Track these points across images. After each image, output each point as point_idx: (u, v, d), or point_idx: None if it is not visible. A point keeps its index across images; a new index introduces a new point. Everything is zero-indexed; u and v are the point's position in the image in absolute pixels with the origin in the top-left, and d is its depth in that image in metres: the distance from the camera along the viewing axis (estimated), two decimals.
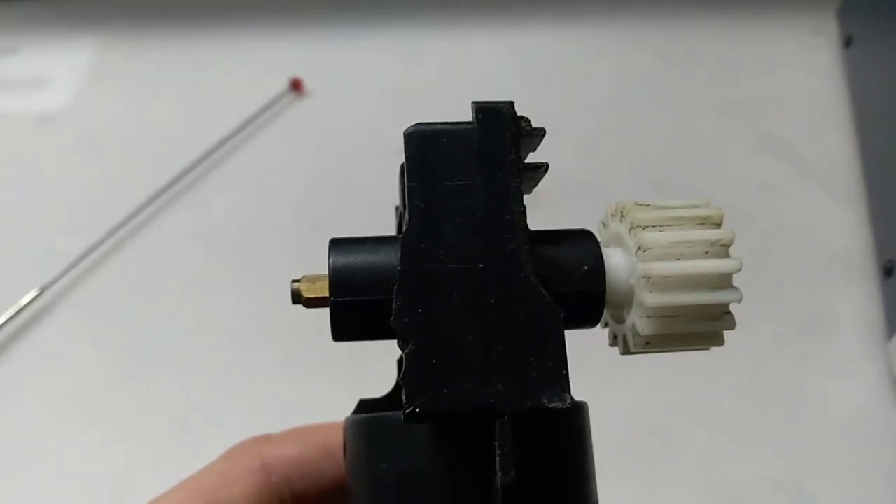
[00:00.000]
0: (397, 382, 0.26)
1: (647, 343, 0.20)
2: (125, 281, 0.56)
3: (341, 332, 0.21)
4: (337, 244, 0.21)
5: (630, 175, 0.60)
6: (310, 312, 0.22)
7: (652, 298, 0.20)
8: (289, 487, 0.26)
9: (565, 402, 0.19)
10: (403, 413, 0.18)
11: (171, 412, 0.50)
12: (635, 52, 0.68)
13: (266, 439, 0.27)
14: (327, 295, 0.21)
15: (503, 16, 0.71)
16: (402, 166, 0.21)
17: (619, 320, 0.22)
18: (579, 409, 0.22)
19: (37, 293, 0.54)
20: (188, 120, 0.65)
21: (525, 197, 0.21)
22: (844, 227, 0.56)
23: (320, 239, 0.61)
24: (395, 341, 0.20)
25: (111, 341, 0.53)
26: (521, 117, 0.21)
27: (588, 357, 0.24)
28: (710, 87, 0.65)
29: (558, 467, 0.21)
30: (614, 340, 0.22)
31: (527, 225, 0.20)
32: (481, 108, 0.21)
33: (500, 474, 0.18)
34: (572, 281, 0.21)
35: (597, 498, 0.22)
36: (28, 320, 0.54)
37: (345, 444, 0.23)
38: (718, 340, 0.21)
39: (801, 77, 0.65)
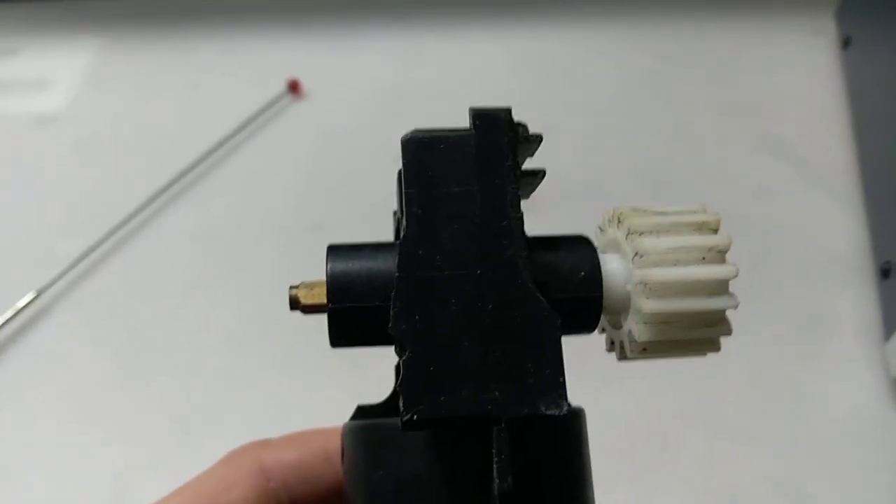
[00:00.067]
0: (395, 389, 0.26)
1: (644, 349, 0.20)
2: (124, 281, 0.56)
3: (339, 338, 0.21)
4: (334, 251, 0.21)
5: (630, 175, 0.60)
6: None
7: (649, 305, 0.20)
8: (287, 492, 0.26)
9: (562, 408, 0.19)
10: (401, 420, 0.18)
11: (171, 412, 0.50)
12: (635, 52, 0.68)
13: (265, 444, 0.27)
14: (325, 301, 0.21)
15: (502, 16, 0.71)
16: (399, 172, 0.21)
17: (616, 326, 0.22)
18: (576, 416, 0.22)
19: (34, 295, 0.54)
20: (187, 121, 0.65)
21: (523, 200, 0.21)
22: (842, 227, 0.56)
23: (319, 239, 0.61)
24: (392, 346, 0.20)
25: (111, 342, 0.53)
26: (519, 123, 0.21)
27: (586, 359, 0.24)
28: (709, 87, 0.65)
29: (555, 474, 0.21)
30: (611, 346, 0.22)
31: (524, 231, 0.20)
32: (478, 115, 0.21)
33: (497, 481, 0.18)
34: (569, 287, 0.21)
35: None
36: (27, 321, 0.54)
37: (343, 450, 0.23)
38: (715, 346, 0.21)
39: (800, 77, 0.65)
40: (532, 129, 0.21)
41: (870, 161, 0.58)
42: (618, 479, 0.46)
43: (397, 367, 0.19)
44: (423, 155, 0.21)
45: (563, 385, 0.19)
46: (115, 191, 0.60)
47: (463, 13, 0.71)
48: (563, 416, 0.19)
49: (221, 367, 0.52)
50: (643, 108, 0.65)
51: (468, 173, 0.20)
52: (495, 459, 0.18)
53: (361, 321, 0.21)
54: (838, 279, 0.54)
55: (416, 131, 0.21)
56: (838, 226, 0.57)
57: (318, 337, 0.24)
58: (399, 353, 0.19)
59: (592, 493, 0.22)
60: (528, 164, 0.22)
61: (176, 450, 0.49)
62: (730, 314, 0.20)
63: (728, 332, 0.20)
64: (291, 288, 0.22)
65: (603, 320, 0.22)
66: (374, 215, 0.55)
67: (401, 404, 0.19)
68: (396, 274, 0.20)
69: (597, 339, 0.23)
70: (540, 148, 0.22)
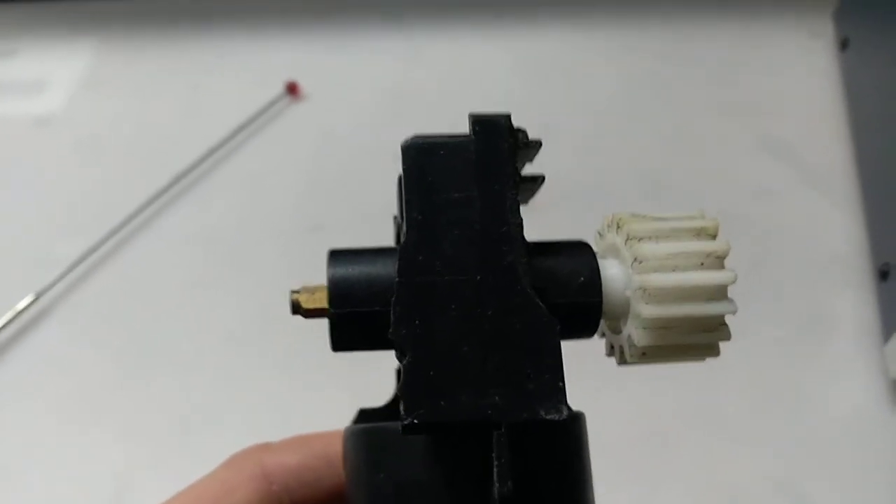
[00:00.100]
0: (396, 393, 0.26)
1: (644, 354, 0.20)
2: (124, 283, 0.56)
3: (340, 343, 0.21)
4: (336, 255, 0.22)
5: (629, 176, 0.60)
6: None
7: (648, 310, 0.20)
8: (289, 496, 0.27)
9: (562, 413, 0.19)
10: (401, 424, 0.19)
11: (171, 413, 0.50)
12: (634, 53, 0.68)
13: (267, 447, 0.28)
14: (326, 306, 0.21)
15: (502, 17, 0.71)
16: (399, 178, 0.21)
17: (616, 331, 0.22)
18: (576, 420, 0.22)
19: (33, 298, 0.54)
20: (186, 122, 0.65)
21: (522, 205, 0.21)
22: (841, 229, 0.57)
23: (318, 240, 0.61)
24: (393, 351, 0.20)
25: (110, 343, 0.53)
26: (518, 129, 0.21)
27: (586, 360, 0.24)
28: (708, 88, 0.65)
29: (555, 478, 0.21)
30: (611, 351, 0.22)
31: (524, 237, 0.20)
32: (478, 121, 0.21)
33: (497, 485, 0.18)
34: (569, 292, 0.21)
35: None
36: (27, 323, 0.54)
37: (344, 454, 0.23)
38: (714, 352, 0.21)
39: (799, 79, 0.65)
40: (532, 130, 0.22)
41: (868, 162, 0.58)
42: (618, 479, 0.46)
43: (398, 372, 0.20)
44: (423, 161, 0.21)
45: (562, 390, 0.19)
46: (114, 192, 0.60)
47: (462, 14, 0.71)
48: (562, 421, 0.19)
49: (221, 368, 0.52)
50: (642, 108, 0.65)
51: (468, 179, 0.21)
52: (495, 464, 0.18)
53: (362, 326, 0.21)
54: (837, 280, 0.54)
55: (416, 137, 0.21)
56: (837, 227, 0.57)
57: (317, 337, 0.24)
58: (399, 357, 0.19)
59: (593, 497, 0.22)
60: (528, 169, 0.22)
61: (176, 450, 0.49)
62: (729, 317, 0.20)
63: (727, 337, 0.20)
64: (293, 292, 0.22)
65: (603, 325, 0.22)
66: (373, 216, 0.55)
67: (401, 409, 0.19)
68: (396, 279, 0.20)
69: (597, 340, 0.23)
70: (540, 149, 0.22)
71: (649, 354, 0.20)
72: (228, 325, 0.54)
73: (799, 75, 0.66)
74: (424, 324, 0.19)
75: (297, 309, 0.22)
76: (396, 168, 0.21)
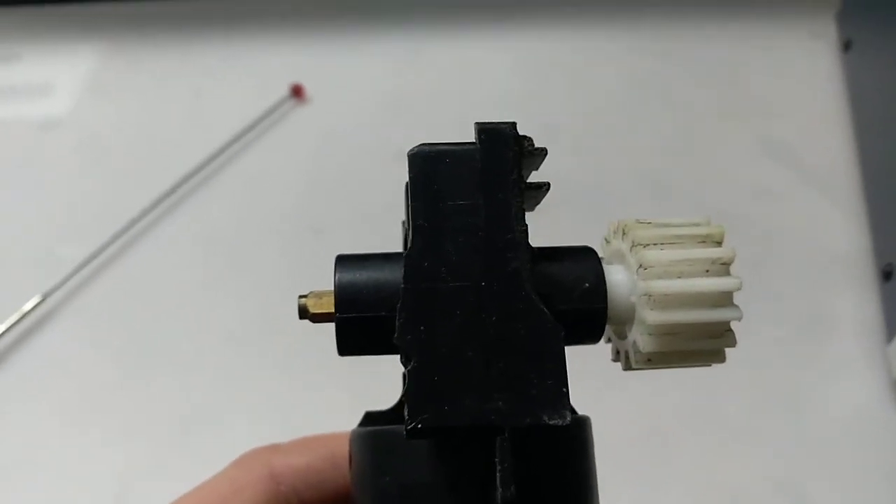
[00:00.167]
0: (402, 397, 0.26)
1: (649, 360, 0.20)
2: (128, 285, 0.56)
3: (346, 347, 0.22)
4: (343, 261, 0.22)
5: (630, 176, 0.61)
6: None
7: (653, 316, 0.20)
8: (297, 497, 0.27)
9: (565, 419, 0.19)
10: (405, 429, 0.19)
11: (173, 414, 0.50)
12: (635, 54, 0.68)
13: (275, 449, 0.28)
14: (333, 311, 0.21)
15: (503, 19, 0.71)
16: (406, 185, 0.21)
17: (622, 336, 0.22)
18: (581, 424, 0.22)
19: (39, 299, 0.54)
20: (190, 125, 0.65)
21: (528, 212, 0.21)
22: (844, 230, 0.57)
23: (321, 243, 0.61)
24: (398, 356, 0.20)
25: (114, 344, 0.54)
26: (524, 137, 0.21)
27: (588, 360, 0.25)
28: (710, 89, 0.66)
29: (559, 483, 0.21)
30: (616, 356, 0.22)
31: (528, 243, 0.21)
32: (484, 129, 0.21)
33: (500, 490, 0.19)
34: (573, 298, 0.21)
35: None
36: (33, 325, 0.54)
37: (350, 456, 0.23)
38: (720, 358, 0.21)
39: (801, 81, 0.65)
40: (532, 130, 0.22)
41: (871, 163, 0.58)
42: (618, 479, 0.46)
43: (404, 376, 0.20)
44: (430, 169, 0.21)
45: (566, 396, 0.19)
46: (118, 195, 0.60)
47: (464, 16, 0.71)
48: (566, 426, 0.19)
49: (223, 369, 0.52)
50: (643, 109, 0.65)
51: (473, 187, 0.21)
52: (498, 468, 0.19)
53: (368, 331, 0.21)
54: (839, 281, 0.54)
55: (423, 146, 0.21)
56: (839, 228, 0.57)
57: (318, 338, 0.24)
58: (404, 363, 0.20)
59: (597, 502, 0.22)
60: (533, 176, 0.22)
61: (177, 451, 0.49)
62: (734, 322, 0.21)
63: (733, 343, 0.21)
64: (301, 297, 0.22)
65: (608, 330, 0.22)
66: (375, 219, 0.56)
67: (405, 413, 0.19)
68: (402, 285, 0.20)
69: (599, 342, 0.23)
70: (545, 157, 0.22)
71: (654, 360, 0.20)
72: (230, 326, 0.54)
73: (801, 76, 0.66)
74: (429, 329, 0.20)
75: (304, 314, 0.22)
76: (400, 170, 0.22)
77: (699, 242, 0.21)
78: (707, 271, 0.20)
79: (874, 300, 0.53)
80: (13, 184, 0.63)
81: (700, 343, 0.20)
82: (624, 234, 0.21)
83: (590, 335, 0.22)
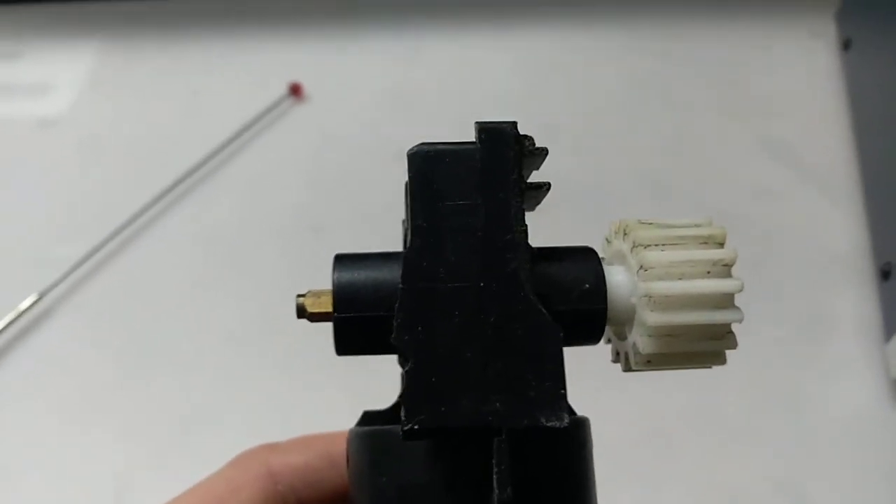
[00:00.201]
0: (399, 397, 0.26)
1: (649, 361, 0.20)
2: (126, 284, 0.56)
3: (344, 347, 0.22)
4: (341, 260, 0.22)
5: (630, 176, 0.60)
6: None
7: (653, 318, 0.20)
8: (294, 496, 0.27)
9: (562, 421, 0.19)
10: (402, 429, 0.19)
11: (172, 413, 0.50)
12: (635, 53, 0.68)
13: (272, 447, 0.28)
14: (331, 310, 0.21)
15: (503, 18, 0.71)
16: (405, 184, 0.21)
17: (622, 337, 0.22)
18: (579, 426, 0.22)
19: (36, 298, 0.54)
20: (188, 124, 0.65)
21: (528, 212, 0.21)
22: (842, 229, 0.57)
23: (319, 241, 0.61)
24: (396, 356, 0.20)
25: (112, 343, 0.54)
26: (525, 137, 0.21)
27: (589, 360, 0.24)
28: (710, 89, 0.65)
29: (557, 484, 0.21)
30: (617, 357, 0.22)
31: (528, 244, 0.21)
32: (484, 129, 0.21)
33: (497, 491, 0.19)
34: (573, 299, 0.21)
35: None
36: (29, 323, 0.54)
37: (348, 456, 0.23)
38: (720, 359, 0.21)
39: (800, 79, 0.65)
40: (532, 130, 0.22)
41: (870, 162, 0.58)
42: (618, 479, 0.46)
43: (402, 377, 0.20)
44: (429, 168, 0.21)
45: (563, 397, 0.19)
46: (116, 193, 0.60)
47: (463, 15, 0.71)
48: (563, 428, 0.19)
49: (222, 368, 0.52)
50: (643, 108, 0.65)
51: (473, 187, 0.21)
52: (495, 470, 0.19)
53: (366, 331, 0.21)
54: (838, 280, 0.54)
55: (423, 145, 0.21)
56: (838, 227, 0.57)
57: (317, 338, 0.24)
58: (402, 363, 0.20)
59: (595, 502, 0.22)
60: (534, 176, 0.22)
61: (176, 450, 0.49)
62: (735, 324, 0.20)
63: (733, 345, 0.20)
64: (298, 296, 0.22)
65: (609, 331, 0.22)
66: (374, 217, 0.56)
67: (402, 414, 0.19)
68: (400, 285, 0.20)
69: (600, 342, 0.23)
70: (546, 157, 0.22)
71: (654, 362, 0.20)
72: (229, 325, 0.54)
73: (800, 75, 0.66)
74: (427, 330, 0.20)
75: (302, 313, 0.22)
76: (400, 169, 0.21)
77: (701, 244, 0.21)
78: (708, 273, 0.20)
79: (873, 299, 0.53)
80: (11, 181, 0.62)
81: (700, 345, 0.20)
82: (625, 234, 0.21)
83: (589, 336, 0.22)
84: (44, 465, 0.49)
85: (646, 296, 0.20)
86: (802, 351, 0.52)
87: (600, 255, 0.22)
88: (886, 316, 0.51)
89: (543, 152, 0.21)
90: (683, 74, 0.66)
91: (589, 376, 0.28)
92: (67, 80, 0.68)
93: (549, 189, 0.22)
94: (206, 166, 0.61)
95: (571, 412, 0.22)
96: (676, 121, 0.64)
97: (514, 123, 0.21)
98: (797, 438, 0.49)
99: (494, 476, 0.19)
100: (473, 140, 0.21)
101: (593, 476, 0.22)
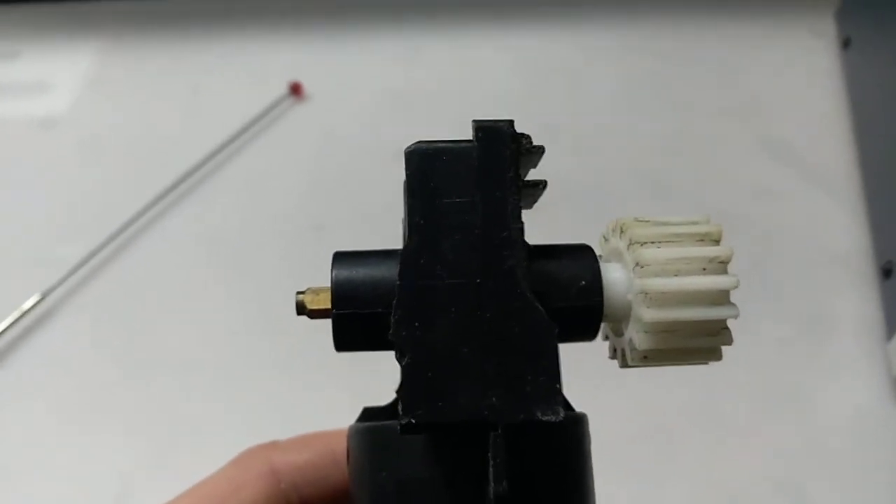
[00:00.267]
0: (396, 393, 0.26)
1: (645, 357, 0.20)
2: (128, 283, 0.56)
3: (343, 343, 0.22)
4: (340, 257, 0.22)
5: (630, 176, 0.61)
6: None
7: (649, 314, 0.20)
8: (297, 494, 0.27)
9: (558, 415, 0.19)
10: (399, 424, 0.19)
11: (173, 413, 0.50)
12: (635, 53, 0.68)
13: (274, 446, 0.28)
14: (330, 307, 0.21)
15: (503, 17, 0.71)
16: (404, 182, 0.21)
17: (619, 334, 0.22)
18: (576, 422, 0.22)
19: (39, 298, 0.54)
20: (189, 123, 0.65)
21: (525, 210, 0.21)
22: (843, 228, 0.57)
23: (320, 241, 0.61)
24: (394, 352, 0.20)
25: (114, 343, 0.54)
26: (522, 135, 0.21)
27: (589, 357, 0.25)
28: (710, 88, 0.65)
29: (553, 479, 0.21)
30: (614, 353, 0.23)
31: (525, 241, 0.21)
32: (481, 127, 0.21)
33: (493, 485, 0.19)
34: (569, 296, 0.21)
35: None
36: (32, 323, 0.54)
37: (348, 451, 0.23)
38: (716, 355, 0.21)
39: (800, 79, 0.65)
40: (532, 130, 0.22)
41: (870, 161, 0.58)
42: (618, 477, 0.46)
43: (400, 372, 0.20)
44: (427, 166, 0.21)
45: (559, 392, 0.19)
46: (117, 193, 0.60)
47: (464, 15, 0.71)
48: (560, 423, 0.19)
49: (223, 368, 0.52)
50: (643, 108, 0.65)
51: (470, 185, 0.21)
52: (491, 464, 0.19)
53: (365, 327, 0.21)
54: (840, 279, 0.54)
55: (420, 143, 0.21)
56: (839, 226, 0.57)
57: (318, 337, 0.24)
58: (399, 359, 0.20)
59: (592, 499, 0.22)
60: (531, 174, 0.22)
61: (177, 450, 0.49)
62: (732, 318, 0.21)
63: (729, 341, 0.21)
64: (298, 293, 0.22)
65: (606, 328, 0.23)
66: (375, 216, 0.56)
67: (399, 408, 0.19)
68: (398, 282, 0.20)
69: (600, 339, 0.23)
70: (543, 154, 0.22)
71: (650, 358, 0.20)
72: (230, 325, 0.54)
73: (801, 75, 0.66)
74: (424, 326, 0.20)
75: (301, 309, 0.22)
76: (400, 168, 0.22)
77: (697, 241, 0.21)
78: (704, 269, 0.20)
79: (874, 298, 0.53)
80: (12, 181, 0.63)
81: (696, 341, 0.20)
82: (622, 232, 0.22)
83: (586, 332, 0.22)
84: (45, 465, 0.49)
85: (642, 292, 0.20)
86: (804, 350, 0.52)
87: (598, 252, 0.22)
88: (888, 315, 0.51)
89: (540, 150, 0.22)
90: (683, 74, 0.66)
91: (589, 373, 0.28)
92: (67, 79, 0.68)
93: (545, 187, 0.22)
94: (207, 166, 0.61)
95: (569, 408, 0.22)
96: (676, 120, 0.64)
97: (511, 122, 0.21)
98: (798, 437, 0.49)
99: (490, 470, 0.19)
100: (470, 138, 0.21)
101: (591, 472, 0.22)
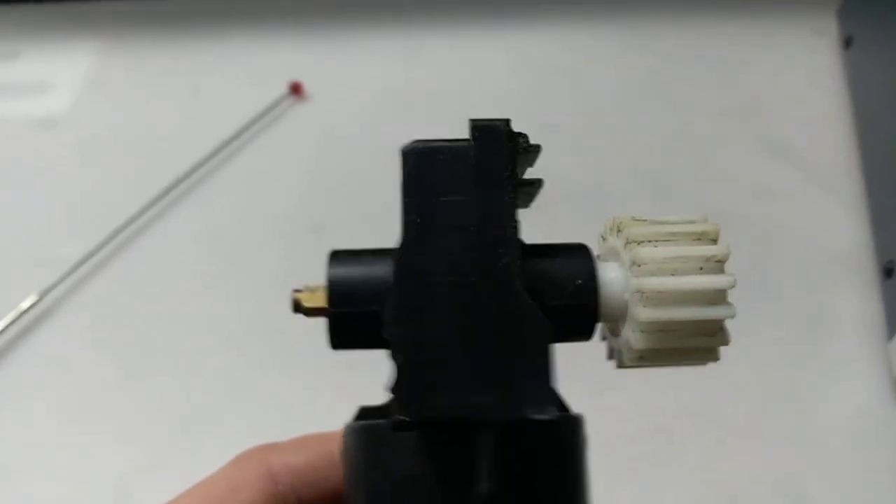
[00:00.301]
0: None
1: (641, 357, 0.20)
2: (126, 283, 0.56)
3: (338, 341, 0.22)
4: (337, 256, 0.22)
5: (630, 176, 0.60)
6: None
7: (645, 313, 0.20)
8: (295, 495, 0.27)
9: (548, 414, 0.19)
10: (392, 421, 0.19)
11: (173, 413, 0.50)
12: (635, 52, 0.68)
13: (273, 447, 0.28)
14: (326, 305, 0.21)
15: (503, 17, 0.71)
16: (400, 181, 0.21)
17: (616, 334, 0.22)
18: (570, 422, 0.22)
19: (36, 298, 0.54)
20: (189, 123, 0.65)
21: (522, 209, 0.21)
22: (844, 227, 0.56)
23: (320, 240, 0.61)
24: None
25: (112, 343, 0.54)
26: (519, 134, 0.21)
27: (588, 358, 0.24)
28: (710, 88, 0.65)
29: (544, 479, 0.21)
30: (612, 354, 0.22)
31: (520, 240, 0.21)
32: (478, 126, 0.21)
33: (482, 482, 0.19)
34: (564, 295, 0.21)
35: None
36: (29, 323, 0.54)
37: (343, 450, 0.23)
38: (713, 356, 0.21)
39: (802, 78, 0.65)
40: (532, 130, 0.22)
41: (872, 160, 0.58)
42: (618, 477, 0.46)
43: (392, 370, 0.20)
44: (423, 165, 0.21)
45: (551, 391, 0.19)
46: (117, 193, 0.60)
47: (464, 14, 0.71)
48: (553, 422, 0.19)
49: (223, 368, 0.52)
50: (643, 108, 0.65)
51: (466, 184, 0.21)
52: (481, 462, 0.19)
53: (360, 325, 0.21)
54: (840, 279, 0.54)
55: (417, 142, 0.21)
56: (840, 225, 0.57)
57: (318, 337, 0.24)
58: (392, 357, 0.20)
59: (585, 500, 0.22)
60: (528, 172, 0.22)
61: (176, 450, 0.49)
62: (732, 317, 0.20)
63: (726, 342, 0.20)
64: (295, 291, 0.22)
65: (604, 328, 0.22)
66: (375, 216, 0.55)
67: (392, 406, 0.19)
68: (392, 280, 0.20)
69: (599, 339, 0.23)
70: (539, 153, 0.22)
71: (647, 358, 0.20)
72: (229, 325, 0.54)
73: (802, 73, 0.65)
74: (417, 324, 0.20)
75: (297, 307, 0.22)
76: (398, 169, 0.22)
77: (694, 240, 0.21)
78: (701, 269, 0.20)
79: (875, 298, 0.53)
80: (11, 181, 0.63)
81: (693, 341, 0.20)
82: (619, 231, 0.21)
83: (581, 332, 0.22)
84: (44, 464, 0.49)
85: (638, 291, 0.20)
86: (804, 350, 0.52)
87: (596, 252, 0.22)
88: (889, 315, 0.51)
89: (537, 149, 0.22)
90: (683, 73, 0.66)
91: (589, 373, 0.28)
92: (67, 79, 0.68)
93: (541, 185, 0.22)
94: (206, 166, 0.61)
95: (564, 409, 0.22)
96: (677, 120, 0.64)
97: (508, 121, 0.21)
98: (798, 437, 0.48)
99: (480, 468, 0.19)
100: (467, 137, 0.21)
101: (585, 473, 0.22)
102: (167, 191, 0.59)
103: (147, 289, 0.56)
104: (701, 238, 0.21)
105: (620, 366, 0.22)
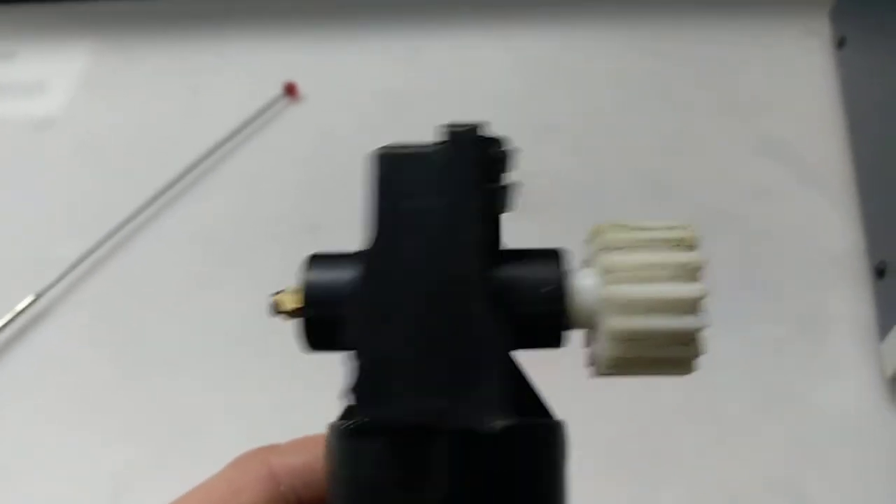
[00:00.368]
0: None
1: (613, 366, 0.20)
2: (123, 283, 0.56)
3: (310, 344, 0.22)
4: (314, 260, 0.22)
5: (628, 176, 0.60)
6: None
7: (614, 321, 0.20)
8: (296, 497, 0.27)
9: (500, 424, 0.19)
10: (347, 427, 0.20)
11: (170, 413, 0.51)
12: (632, 53, 0.68)
13: (273, 449, 0.28)
14: (300, 307, 0.22)
15: (502, 17, 0.70)
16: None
17: (591, 342, 0.22)
18: (537, 430, 0.21)
19: (32, 299, 0.54)
20: (184, 123, 0.65)
21: (505, 212, 0.22)
22: (837, 227, 0.56)
23: (316, 241, 0.61)
24: None
25: (109, 343, 0.54)
26: (493, 139, 0.21)
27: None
28: (704, 88, 0.65)
29: (499, 486, 0.21)
30: (589, 361, 0.22)
31: (489, 246, 0.21)
32: (449, 131, 0.21)
33: (435, 488, 0.19)
34: (532, 302, 0.21)
35: None
36: (26, 324, 0.54)
37: (325, 450, 0.23)
38: (685, 367, 0.20)
39: (795, 78, 0.65)
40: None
41: (864, 161, 0.58)
42: (616, 478, 0.46)
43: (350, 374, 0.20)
44: (393, 170, 0.21)
45: (506, 401, 0.19)
46: (113, 193, 0.60)
47: (461, 14, 0.71)
48: (510, 431, 0.19)
49: (220, 368, 0.52)
50: (639, 108, 0.65)
51: (435, 189, 0.21)
52: (433, 468, 0.19)
53: (329, 329, 0.21)
54: (833, 279, 0.54)
55: (387, 146, 0.21)
56: (833, 226, 0.57)
57: None
58: (351, 361, 0.20)
59: None
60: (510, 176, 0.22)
61: (174, 451, 0.49)
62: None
63: (699, 353, 0.20)
64: (274, 294, 0.22)
65: (584, 335, 0.22)
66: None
67: (348, 411, 0.20)
68: (356, 286, 0.21)
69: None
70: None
71: (619, 367, 0.20)
72: (227, 325, 0.54)
73: (795, 74, 0.65)
74: (377, 330, 0.20)
75: (275, 309, 0.22)
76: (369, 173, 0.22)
77: (672, 246, 0.20)
78: (674, 277, 0.20)
79: (868, 298, 0.53)
80: (7, 181, 0.63)
81: (665, 351, 0.20)
82: (596, 237, 0.21)
83: (549, 340, 0.21)
84: (42, 465, 0.49)
85: (607, 299, 0.20)
86: (798, 349, 0.52)
87: (582, 257, 0.22)
88: (881, 315, 0.51)
89: (512, 153, 0.22)
90: (679, 73, 0.66)
91: (585, 375, 0.28)
92: (63, 80, 0.68)
93: (519, 188, 0.22)
94: (202, 166, 0.61)
95: (544, 413, 0.22)
96: (673, 120, 0.63)
97: (480, 125, 0.21)
98: (793, 437, 0.48)
99: (433, 473, 0.19)
100: (440, 141, 0.21)
101: (553, 482, 0.21)
102: (163, 191, 0.60)
103: (144, 289, 0.56)
104: (679, 245, 0.20)
105: (594, 374, 0.21)
